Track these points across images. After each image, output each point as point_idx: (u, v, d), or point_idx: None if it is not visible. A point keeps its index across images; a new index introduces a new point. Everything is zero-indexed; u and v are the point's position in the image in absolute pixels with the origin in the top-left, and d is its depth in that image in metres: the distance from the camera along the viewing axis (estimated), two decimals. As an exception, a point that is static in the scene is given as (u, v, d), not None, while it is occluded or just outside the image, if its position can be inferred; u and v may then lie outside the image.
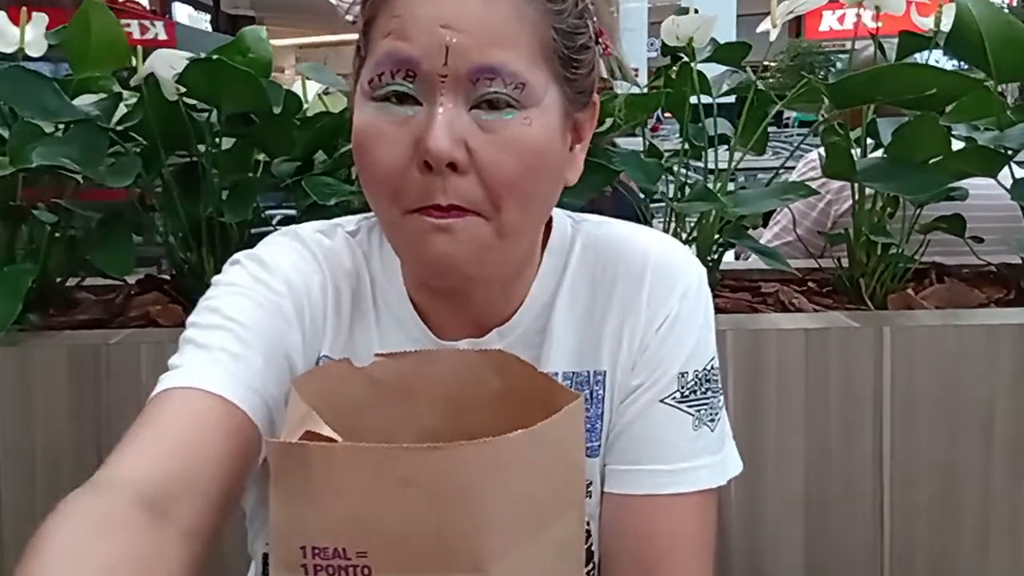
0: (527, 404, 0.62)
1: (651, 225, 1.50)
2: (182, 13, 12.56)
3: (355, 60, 0.72)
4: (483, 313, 0.77)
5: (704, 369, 0.77)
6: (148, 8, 10.55)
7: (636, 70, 1.42)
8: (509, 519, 0.52)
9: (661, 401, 0.76)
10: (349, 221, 0.82)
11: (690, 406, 0.76)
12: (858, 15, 1.42)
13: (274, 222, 1.83)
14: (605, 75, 0.75)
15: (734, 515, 1.18)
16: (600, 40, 0.71)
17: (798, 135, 6.89)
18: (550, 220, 0.80)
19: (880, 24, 1.42)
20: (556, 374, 0.77)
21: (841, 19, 15.19)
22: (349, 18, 0.74)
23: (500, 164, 0.65)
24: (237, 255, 0.77)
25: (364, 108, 0.67)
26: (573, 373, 0.78)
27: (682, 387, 0.76)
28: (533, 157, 0.66)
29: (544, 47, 0.66)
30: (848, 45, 1.55)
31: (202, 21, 13.28)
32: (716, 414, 0.78)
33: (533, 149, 0.66)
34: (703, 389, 0.77)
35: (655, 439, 0.76)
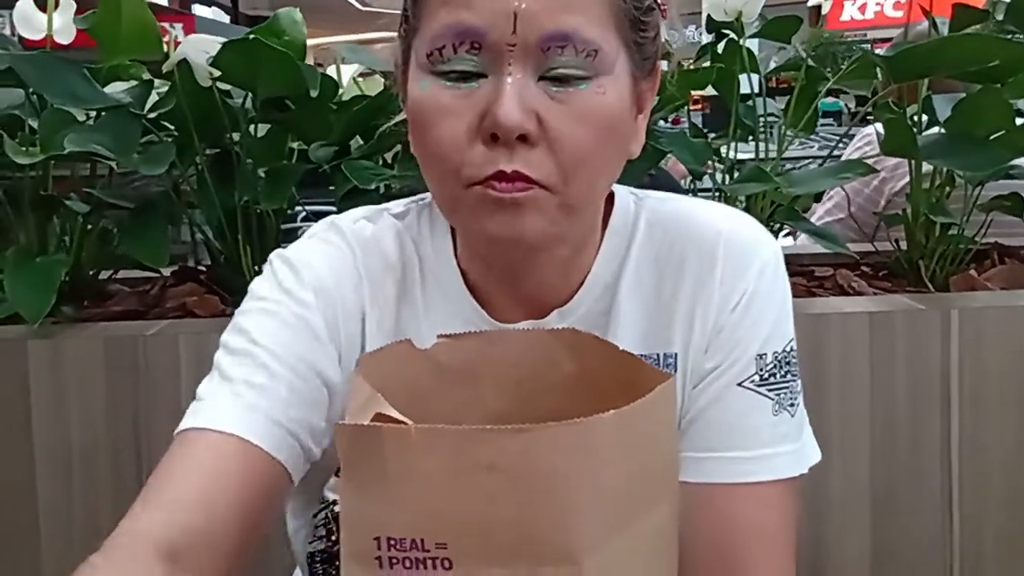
0: (605, 386, 0.58)
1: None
2: (202, 12, 12.60)
3: (401, 30, 0.67)
4: (541, 293, 0.73)
5: (784, 351, 0.72)
6: (169, 8, 10.58)
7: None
8: (599, 508, 0.48)
9: (739, 384, 0.71)
10: (397, 204, 0.78)
11: (770, 389, 0.71)
12: (881, 4, 1.37)
13: (300, 218, 1.80)
14: (664, 38, 0.71)
15: (798, 505, 1.13)
16: (658, 1, 0.67)
17: (823, 124, 6.80)
18: (611, 196, 0.75)
19: (898, 14, 1.37)
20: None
21: (863, 8, 15.01)
22: None
23: (575, 135, 0.61)
24: (272, 255, 0.74)
25: (421, 81, 0.63)
26: (642, 355, 0.73)
27: (761, 369, 0.71)
28: (608, 128, 0.62)
29: (615, 10, 0.62)
30: (869, 35, 1.50)
31: (222, 20, 13.32)
32: (796, 399, 0.73)
33: (608, 120, 0.62)
34: (783, 372, 0.72)
35: (734, 424, 0.71)
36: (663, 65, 0.75)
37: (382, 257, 0.74)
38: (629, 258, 0.74)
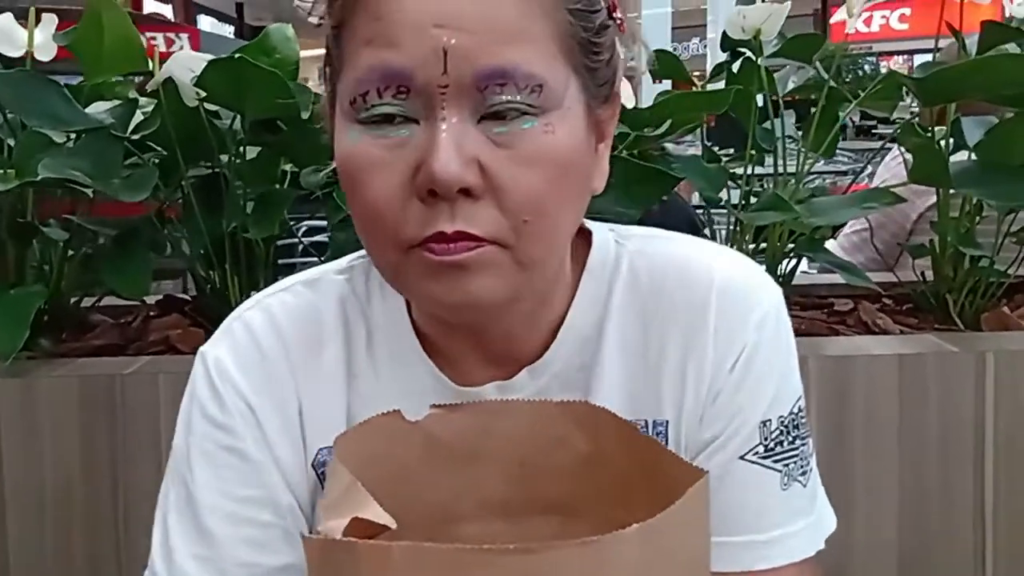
0: (622, 473, 0.50)
1: (709, 237, 1.38)
2: (205, 24, 12.61)
3: (324, 70, 0.60)
4: (507, 349, 0.64)
5: (791, 414, 0.64)
6: (173, 20, 10.58)
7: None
8: None
9: (741, 458, 0.63)
10: (340, 261, 0.70)
11: (776, 460, 0.63)
12: (886, 17, 1.30)
13: (300, 233, 1.73)
14: (622, 57, 0.61)
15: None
16: (614, 15, 0.59)
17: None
18: (588, 233, 0.67)
19: (903, 27, 1.30)
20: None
21: (868, 21, 14.95)
22: (313, 20, 0.61)
23: (522, 183, 0.53)
24: (198, 357, 0.66)
25: (348, 132, 0.55)
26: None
27: (765, 439, 0.63)
28: (560, 170, 0.54)
29: (561, 35, 0.54)
30: (875, 47, 1.43)
31: (226, 32, 13.32)
32: (806, 465, 0.65)
33: (560, 161, 0.54)
34: (791, 438, 0.63)
35: (739, 504, 0.62)
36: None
37: (319, 328, 0.66)
38: (611, 307, 0.65)
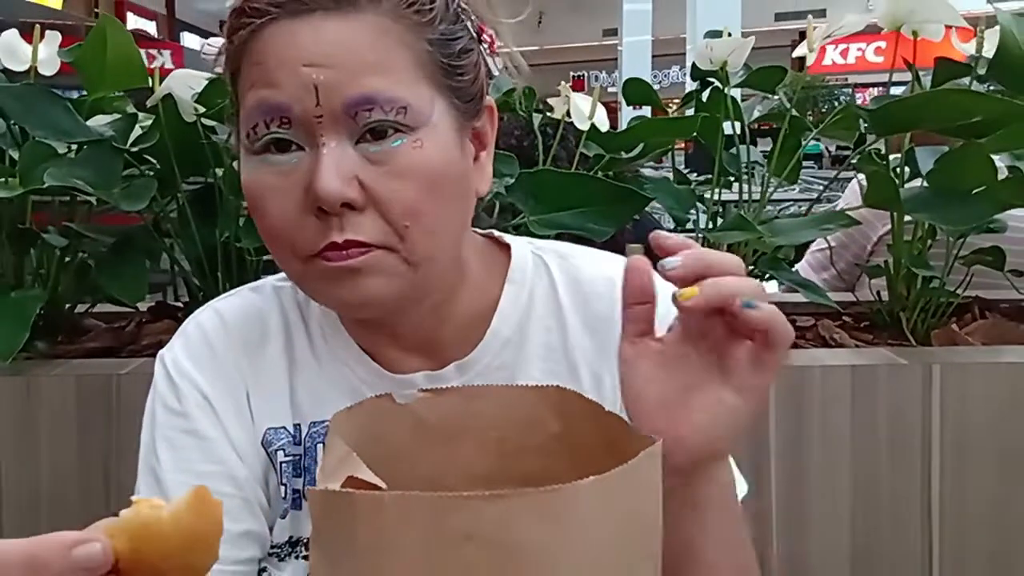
0: (590, 447, 0.56)
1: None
2: (190, 41, 12.64)
3: (229, 115, 0.69)
4: (424, 341, 0.72)
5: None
6: (156, 36, 10.61)
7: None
8: None
9: None
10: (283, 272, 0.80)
11: None
12: (862, 50, 1.38)
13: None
14: (496, 73, 0.70)
15: (776, 559, 1.12)
16: (483, 38, 0.68)
17: (804, 168, 6.86)
18: (507, 247, 0.76)
19: (879, 59, 1.38)
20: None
21: (844, 53, 15.26)
22: (218, 70, 0.70)
23: (398, 194, 0.61)
24: (158, 360, 0.75)
25: (247, 164, 0.64)
26: None
27: None
28: (431, 180, 0.62)
29: (420, 62, 0.62)
30: (850, 79, 1.51)
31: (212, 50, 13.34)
32: None
33: (430, 172, 0.62)
34: None
35: None
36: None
37: (262, 326, 0.75)
38: (533, 313, 0.74)
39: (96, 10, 10.43)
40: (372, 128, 0.60)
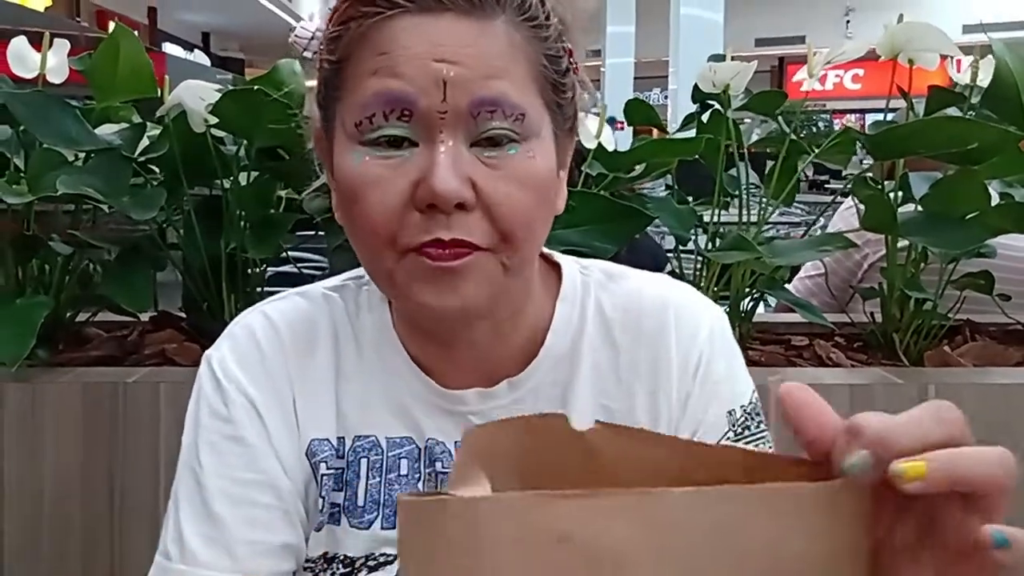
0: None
1: (677, 274, 1.47)
2: (172, 51, 12.59)
3: (319, 98, 0.67)
4: (477, 361, 0.72)
5: (750, 403, 0.74)
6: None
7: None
8: None
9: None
10: (333, 280, 0.79)
11: (747, 443, 0.72)
12: (840, 77, 1.42)
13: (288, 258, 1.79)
14: (585, 96, 0.71)
15: None
16: (571, 60, 0.68)
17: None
18: (556, 264, 0.77)
19: (856, 87, 1.41)
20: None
21: (823, 80, 15.46)
22: (308, 55, 0.69)
23: (511, 199, 0.61)
24: (204, 361, 0.73)
25: (351, 153, 0.62)
26: None
27: (734, 425, 0.72)
28: (540, 190, 0.63)
29: (536, 75, 0.64)
30: (828, 105, 1.54)
31: (202, 59, 13.30)
32: (770, 447, 0.74)
33: (540, 182, 0.63)
34: (755, 422, 0.73)
35: None
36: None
37: (312, 333, 0.73)
38: (585, 332, 0.74)
39: (78, 19, 10.38)
40: (490, 136, 0.61)
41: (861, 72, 14.49)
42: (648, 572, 0.42)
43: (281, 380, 0.72)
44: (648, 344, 0.73)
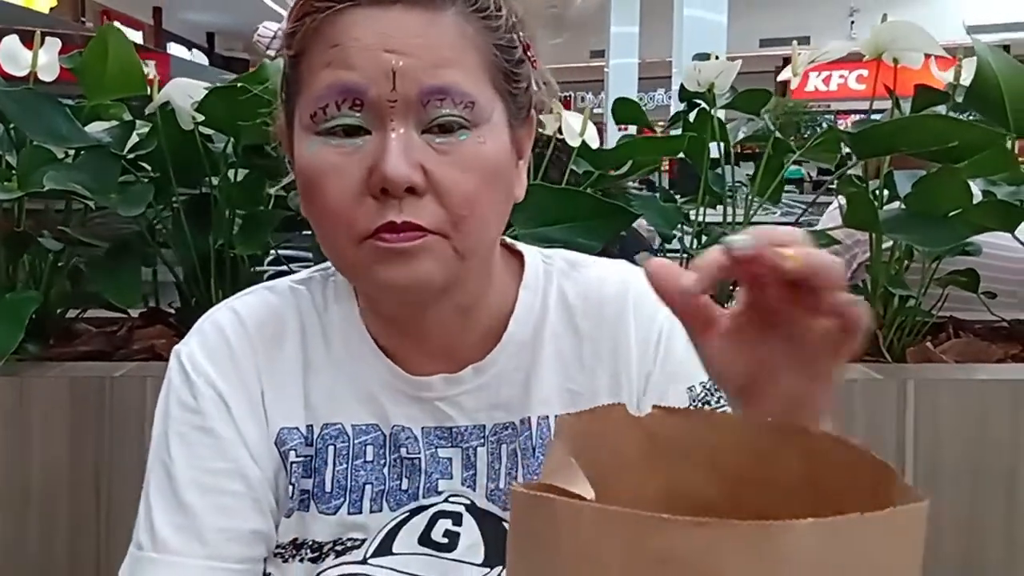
0: (844, 493, 0.50)
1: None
2: (177, 52, 12.64)
3: (281, 92, 0.70)
4: (445, 346, 0.74)
5: (710, 379, 0.75)
6: (143, 46, 10.62)
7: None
8: None
9: None
10: (301, 273, 0.80)
11: None
12: (844, 77, 1.43)
13: (267, 262, 1.80)
14: (540, 87, 0.73)
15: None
16: (528, 54, 0.71)
17: (787, 191, 6.94)
18: (519, 253, 0.78)
19: (860, 87, 1.42)
20: (546, 417, 0.74)
21: (827, 80, 15.45)
22: (271, 53, 0.71)
23: (460, 184, 0.63)
24: (173, 355, 0.75)
25: (307, 143, 0.65)
26: None
27: (694, 400, 0.74)
28: (490, 175, 0.65)
29: (487, 64, 0.66)
30: (833, 106, 1.55)
31: (201, 59, 13.36)
32: None
33: (490, 167, 0.65)
34: (715, 398, 0.74)
35: None
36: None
37: (279, 327, 0.75)
38: (547, 319, 0.76)
39: (83, 19, 10.42)
40: (440, 124, 0.63)
41: (865, 72, 14.47)
42: None
43: (249, 373, 0.73)
44: (609, 329, 0.76)
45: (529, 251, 0.79)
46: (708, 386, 0.74)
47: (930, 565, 1.24)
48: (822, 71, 14.93)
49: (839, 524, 0.39)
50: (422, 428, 0.74)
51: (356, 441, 0.74)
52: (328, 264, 0.76)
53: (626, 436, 0.57)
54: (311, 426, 0.74)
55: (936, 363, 1.29)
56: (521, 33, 0.69)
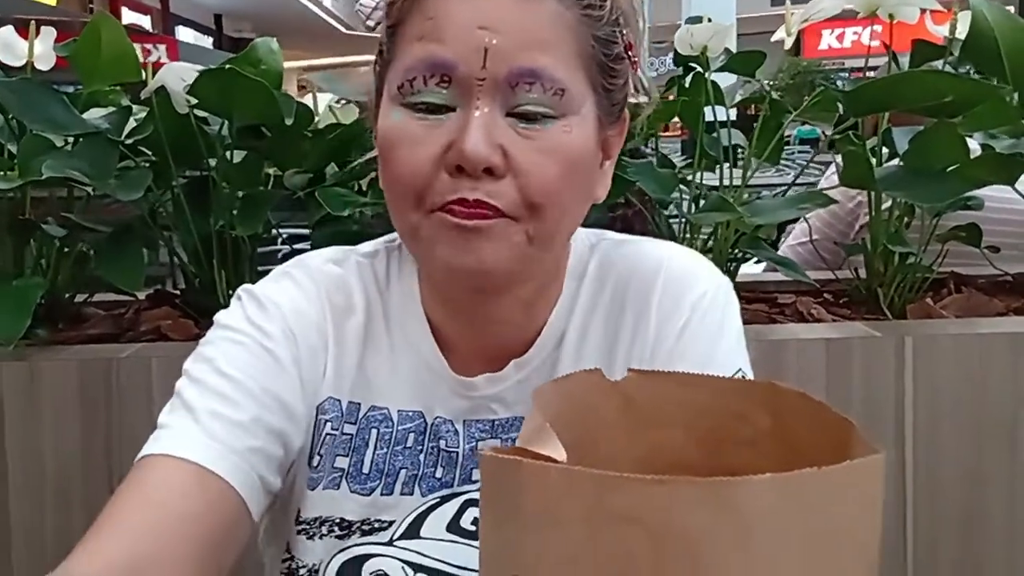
0: (810, 449, 0.50)
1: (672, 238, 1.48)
2: (185, 35, 12.64)
3: (376, 65, 0.69)
4: (503, 337, 0.73)
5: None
6: (151, 30, 10.62)
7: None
8: None
9: None
10: (367, 244, 0.79)
11: None
12: (858, 33, 1.41)
13: (280, 240, 1.82)
14: (639, 89, 0.72)
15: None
16: (630, 53, 0.69)
17: (800, 152, 6.87)
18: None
19: (875, 43, 1.41)
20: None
21: (840, 37, 15.23)
22: (371, 23, 0.71)
23: (540, 169, 0.62)
24: (241, 289, 0.74)
25: (392, 112, 0.64)
26: None
27: None
28: (572, 165, 0.64)
29: (583, 53, 0.64)
30: (847, 63, 1.54)
31: (205, 43, 13.36)
32: None
33: (573, 157, 0.64)
34: None
35: None
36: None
37: (346, 299, 0.74)
38: (577, 304, 0.75)
39: (91, 6, 10.43)
40: (525, 112, 0.62)
41: (879, 29, 14.24)
42: (722, 561, 0.41)
43: (320, 331, 0.73)
44: (634, 305, 0.74)
45: (578, 236, 0.77)
46: None
47: (932, 519, 1.25)
48: (835, 28, 14.71)
49: (796, 479, 0.41)
50: (464, 421, 0.74)
51: (400, 427, 0.73)
52: (395, 235, 0.75)
53: (605, 401, 0.58)
54: (359, 404, 0.73)
55: (936, 319, 1.29)
56: (625, 30, 0.67)
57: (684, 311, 0.73)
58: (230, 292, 1.29)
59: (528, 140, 0.62)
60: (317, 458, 0.72)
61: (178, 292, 1.42)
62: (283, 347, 0.70)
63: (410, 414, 0.73)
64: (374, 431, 0.73)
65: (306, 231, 1.52)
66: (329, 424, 0.72)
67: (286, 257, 0.82)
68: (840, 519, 0.43)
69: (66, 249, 1.34)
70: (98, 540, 0.59)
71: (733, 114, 1.47)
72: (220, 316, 0.73)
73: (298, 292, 0.73)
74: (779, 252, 1.63)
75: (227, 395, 0.67)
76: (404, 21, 0.64)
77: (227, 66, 1.15)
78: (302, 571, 0.72)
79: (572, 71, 0.63)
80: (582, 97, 0.64)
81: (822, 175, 1.76)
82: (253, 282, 0.76)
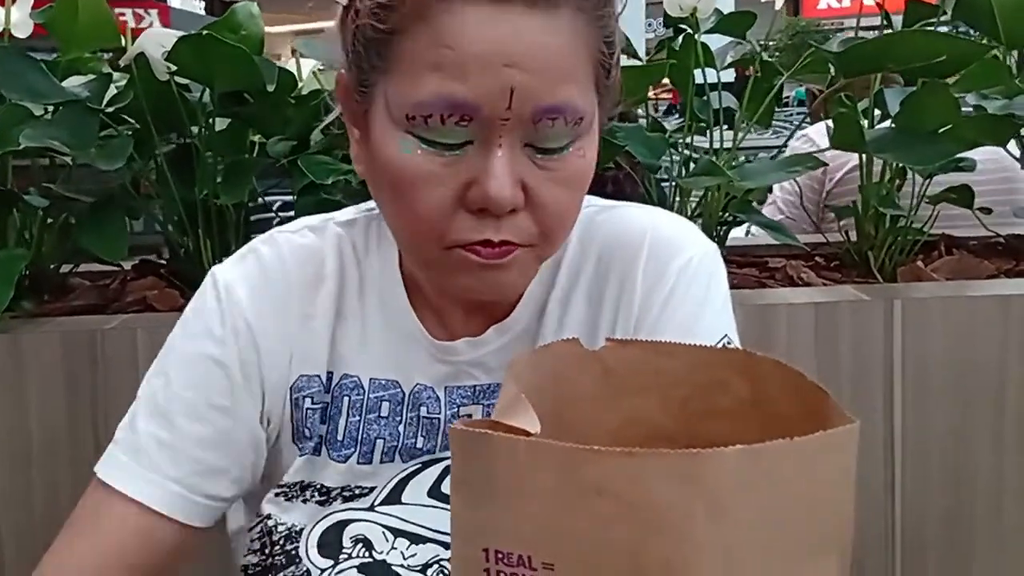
0: (786, 417, 0.51)
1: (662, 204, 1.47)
2: (176, 2, 12.49)
3: (351, 51, 0.64)
4: (487, 306, 0.73)
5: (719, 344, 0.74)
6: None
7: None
8: (719, 553, 0.41)
9: None
10: (346, 212, 0.78)
11: None
12: None
13: (275, 208, 1.81)
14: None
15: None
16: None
17: (798, 114, 6.84)
18: None
19: (870, 2, 1.39)
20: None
21: (839, -3, 15.10)
22: (343, 1, 0.66)
23: (557, 201, 0.62)
24: (209, 276, 0.74)
25: (399, 139, 0.60)
26: None
27: None
28: (584, 185, 0.64)
29: (594, 63, 0.62)
30: (846, 23, 1.52)
31: (197, 8, 13.21)
32: None
33: (585, 179, 0.64)
34: None
35: None
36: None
37: (316, 269, 0.74)
38: (560, 271, 0.75)
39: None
40: (546, 143, 0.60)
41: (879, -12, 14.09)
42: (690, 531, 0.41)
43: (283, 312, 0.73)
44: (619, 270, 0.74)
45: None
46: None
47: (920, 482, 1.25)
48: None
49: (768, 450, 0.41)
50: (445, 387, 0.74)
51: (371, 395, 0.73)
52: (372, 203, 0.73)
53: (582, 370, 0.57)
54: (331, 373, 0.73)
55: (926, 281, 1.28)
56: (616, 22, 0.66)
57: (670, 277, 0.72)
58: (216, 260, 1.29)
59: (546, 172, 0.61)
60: (303, 430, 0.73)
61: (164, 262, 1.41)
62: (235, 355, 0.71)
63: (383, 382, 0.73)
64: (346, 399, 0.73)
65: (289, 197, 1.51)
66: (309, 400, 0.73)
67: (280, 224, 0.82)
68: (814, 489, 0.43)
69: (49, 220, 1.33)
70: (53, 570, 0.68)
71: (731, 76, 1.46)
72: (186, 312, 0.74)
73: (260, 278, 0.73)
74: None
75: (173, 422, 0.70)
76: (408, 32, 0.59)
77: (205, 32, 1.13)
78: (280, 528, 0.73)
79: (587, 90, 0.61)
80: (593, 112, 0.63)
81: (792, 135, 1.75)
82: (240, 247, 0.77)
